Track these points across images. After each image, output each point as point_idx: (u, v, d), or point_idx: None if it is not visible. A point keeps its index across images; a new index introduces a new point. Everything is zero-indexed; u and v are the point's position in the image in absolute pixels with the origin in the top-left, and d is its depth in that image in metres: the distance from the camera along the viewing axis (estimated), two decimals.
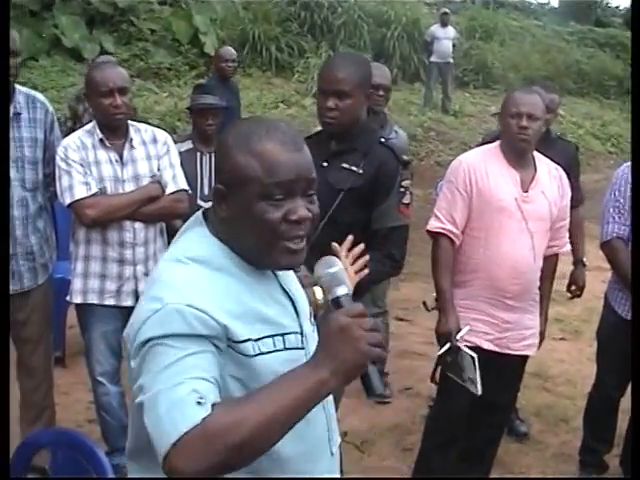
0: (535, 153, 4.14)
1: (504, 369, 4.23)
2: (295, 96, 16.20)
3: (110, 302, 4.16)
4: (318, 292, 2.36)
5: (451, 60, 16.99)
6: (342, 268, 1.96)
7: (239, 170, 1.88)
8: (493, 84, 20.41)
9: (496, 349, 4.13)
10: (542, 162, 4.14)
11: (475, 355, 3.92)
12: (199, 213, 2.05)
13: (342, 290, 1.88)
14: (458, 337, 4.01)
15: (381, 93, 5.31)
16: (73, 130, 4.83)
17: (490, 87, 20.29)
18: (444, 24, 16.87)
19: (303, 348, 2.00)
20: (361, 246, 2.57)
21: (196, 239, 1.97)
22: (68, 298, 4.28)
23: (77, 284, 4.21)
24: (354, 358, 1.74)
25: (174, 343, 1.75)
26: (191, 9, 16.63)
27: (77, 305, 4.31)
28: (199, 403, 1.68)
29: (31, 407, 4.45)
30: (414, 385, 5.95)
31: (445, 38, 16.71)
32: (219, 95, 5.73)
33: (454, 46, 17.04)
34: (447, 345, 4.04)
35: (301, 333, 2.03)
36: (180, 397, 1.69)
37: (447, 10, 17.40)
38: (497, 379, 4.20)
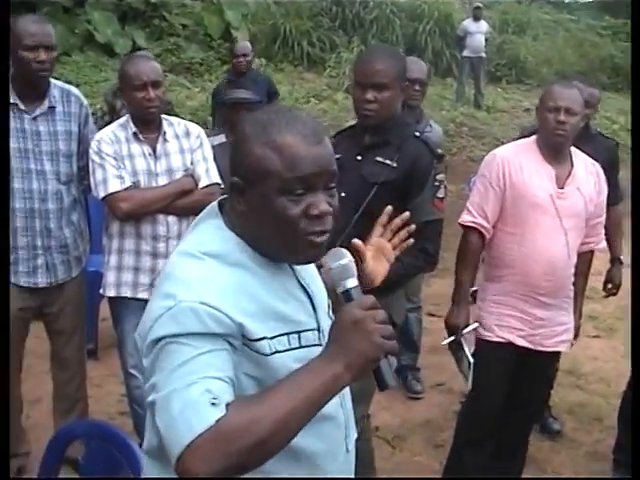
0: (572, 148, 4.08)
1: (537, 366, 4.21)
2: (327, 91, 16.20)
3: (144, 295, 4.16)
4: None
5: (484, 55, 16.88)
6: (351, 260, 1.91)
7: (257, 163, 1.82)
8: (526, 79, 20.28)
9: (529, 346, 4.10)
10: (579, 157, 4.09)
11: (472, 361, 3.99)
12: (214, 204, 2.00)
13: (352, 282, 1.86)
14: (464, 332, 4.05)
15: (417, 88, 5.31)
16: (110, 122, 4.85)
17: (523, 82, 20.17)
18: (477, 18, 16.77)
19: (320, 345, 1.93)
20: (404, 215, 2.46)
21: (211, 232, 1.92)
22: (101, 291, 4.29)
23: (110, 277, 4.22)
24: (368, 351, 1.71)
25: (188, 341, 1.70)
26: (222, 4, 16.67)
27: (110, 298, 4.31)
28: (213, 404, 1.64)
29: (64, 399, 4.48)
30: (446, 381, 5.92)
31: (478, 32, 16.61)
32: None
33: (487, 40, 16.93)
34: (451, 338, 4.10)
35: (318, 329, 1.98)
36: (194, 398, 1.64)
37: (480, 4, 17.26)
38: (530, 375, 4.20)
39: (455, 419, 4.65)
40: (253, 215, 1.85)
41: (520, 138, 4.54)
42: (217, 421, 1.61)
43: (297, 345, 1.89)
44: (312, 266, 2.06)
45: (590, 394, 5.96)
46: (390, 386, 1.79)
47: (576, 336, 4.35)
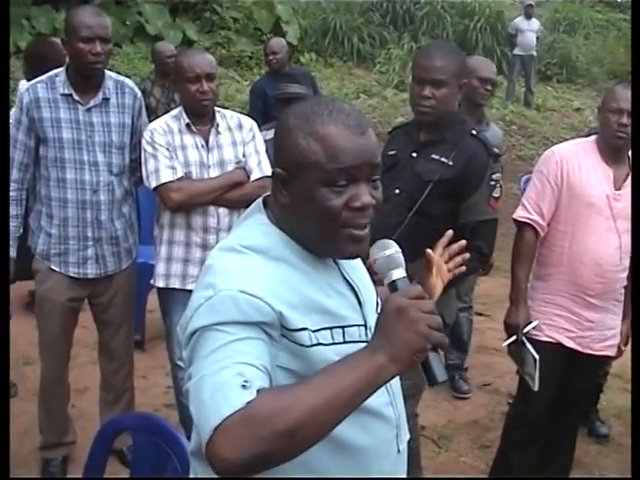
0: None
1: (585, 369, 4.16)
2: (376, 87, 16.15)
3: (192, 287, 4.15)
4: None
5: (534, 53, 16.71)
6: (398, 251, 1.85)
7: (300, 154, 1.80)
8: (576, 78, 20.07)
9: (578, 348, 4.05)
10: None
11: (537, 357, 3.88)
12: (259, 200, 1.98)
13: (399, 273, 1.80)
14: (525, 331, 3.99)
15: (489, 87, 5.28)
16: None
17: (573, 81, 19.96)
18: (528, 16, 16.63)
19: (367, 341, 1.84)
20: (461, 243, 2.42)
21: (254, 227, 1.90)
22: (152, 282, 4.30)
23: (160, 268, 4.23)
24: (413, 341, 1.62)
25: (224, 328, 1.67)
26: None
27: (159, 289, 4.32)
28: (244, 386, 1.58)
29: (111, 390, 4.51)
30: (493, 381, 5.88)
31: (529, 30, 16.47)
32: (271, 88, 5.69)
33: (538, 39, 16.77)
34: (513, 337, 4.03)
35: (365, 325, 1.94)
36: (224, 380, 1.59)
37: (532, 2, 17.10)
38: (578, 378, 4.17)
39: (501, 420, 4.63)
40: (296, 207, 1.84)
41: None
42: (248, 403, 1.55)
43: (341, 340, 1.85)
44: (358, 262, 2.03)
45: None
46: (440, 382, 1.71)
47: (626, 343, 4.26)
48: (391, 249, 1.84)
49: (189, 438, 3.59)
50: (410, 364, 1.65)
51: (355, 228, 1.82)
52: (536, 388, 3.94)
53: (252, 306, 1.70)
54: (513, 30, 16.76)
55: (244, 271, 1.77)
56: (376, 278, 1.99)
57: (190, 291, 4.23)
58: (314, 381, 1.63)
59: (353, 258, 1.94)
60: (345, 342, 1.86)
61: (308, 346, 1.79)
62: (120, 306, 4.36)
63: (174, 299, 4.23)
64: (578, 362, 4.08)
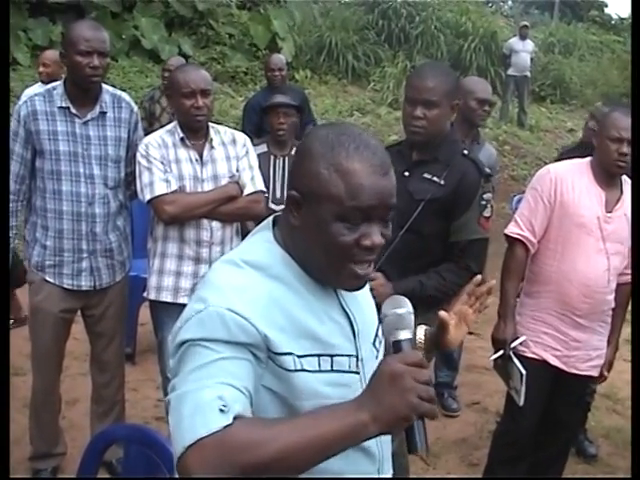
0: (624, 177, 4.06)
1: (571, 388, 4.19)
2: (370, 105, 16.20)
3: (184, 301, 4.17)
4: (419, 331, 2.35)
5: (529, 74, 16.80)
6: (410, 312, 1.84)
7: (319, 183, 1.78)
8: (570, 99, 20.19)
9: (563, 367, 4.08)
10: (628, 185, 4.06)
11: (524, 372, 3.90)
12: (271, 218, 1.98)
13: (405, 334, 1.78)
14: (512, 346, 4.01)
15: (486, 108, 5.34)
16: (147, 132, 4.90)
17: (567, 102, 20.07)
18: (523, 37, 16.70)
19: (357, 372, 1.91)
20: (490, 284, 2.41)
21: (259, 243, 1.90)
22: (145, 294, 4.32)
23: (152, 281, 4.25)
24: (399, 408, 1.60)
25: (210, 345, 1.69)
26: (269, 14, 16.72)
27: (151, 302, 4.34)
28: (222, 410, 1.59)
29: (102, 402, 4.52)
30: (482, 400, 5.90)
31: (523, 51, 16.55)
32: None
33: (532, 60, 16.86)
34: (500, 352, 4.06)
35: (356, 356, 1.92)
36: (204, 401, 1.61)
37: (527, 23, 17.21)
38: (565, 397, 4.19)
39: (490, 438, 4.63)
40: (306, 232, 1.83)
41: (561, 158, 4.52)
42: (224, 428, 1.57)
43: (328, 368, 1.85)
44: (362, 293, 2.02)
45: (627, 419, 5.87)
46: (419, 450, 1.68)
47: (609, 369, 4.28)
48: (404, 308, 1.83)
49: None
50: (393, 428, 1.64)
51: (361, 265, 1.83)
52: (521, 403, 3.96)
53: (238, 326, 1.71)
54: (507, 51, 16.84)
55: (237, 288, 1.77)
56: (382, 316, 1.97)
57: (182, 305, 4.27)
58: (295, 421, 1.65)
59: (350, 291, 1.92)
60: (332, 371, 1.85)
61: (291, 370, 1.78)
62: (113, 318, 4.38)
63: (166, 312, 4.25)
64: (563, 381, 4.11)
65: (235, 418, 1.60)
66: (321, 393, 1.79)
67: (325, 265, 1.83)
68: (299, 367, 1.79)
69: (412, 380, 1.61)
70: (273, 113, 5.33)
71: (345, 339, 1.91)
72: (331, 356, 1.86)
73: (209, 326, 1.71)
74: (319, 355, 1.84)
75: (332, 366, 1.86)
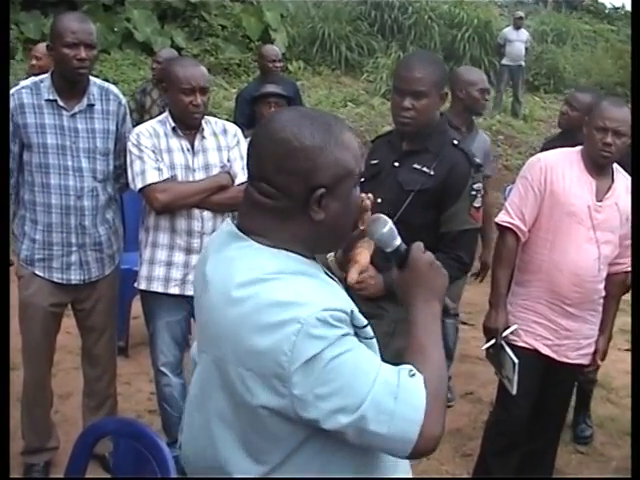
0: (614, 165, 4.05)
1: (562, 377, 4.21)
2: (364, 95, 16.17)
3: (175, 291, 4.18)
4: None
5: (523, 63, 16.79)
6: (392, 225, 2.10)
7: (341, 166, 1.88)
8: (564, 89, 20.13)
9: (554, 356, 4.09)
10: (620, 174, 4.06)
11: (517, 361, 3.92)
12: (232, 229, 1.95)
13: (398, 241, 2.09)
14: (504, 335, 4.03)
15: (487, 97, 5.44)
16: (139, 122, 4.87)
17: (561, 92, 20.02)
18: (517, 27, 16.70)
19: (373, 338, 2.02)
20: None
21: (256, 256, 1.87)
22: (136, 284, 4.31)
23: (143, 271, 4.25)
24: (444, 282, 2.05)
25: (338, 351, 1.75)
26: (262, 5, 16.69)
27: (142, 294, 4.34)
28: (412, 375, 1.81)
29: (94, 395, 4.52)
30: (476, 390, 5.90)
31: (518, 41, 16.54)
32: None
33: (526, 49, 16.84)
34: (492, 341, 4.08)
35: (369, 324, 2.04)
36: (394, 384, 1.78)
37: (521, 14, 17.22)
38: (555, 386, 4.22)
39: (483, 428, 4.63)
40: (332, 217, 1.90)
41: (544, 148, 4.52)
42: (425, 386, 1.80)
43: (371, 335, 1.94)
44: None
45: (621, 408, 5.90)
46: (451, 308, 2.15)
47: (603, 358, 4.26)
48: (389, 223, 2.10)
49: (170, 444, 3.62)
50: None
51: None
52: (514, 392, 3.97)
53: (337, 319, 1.78)
54: (502, 40, 16.83)
55: (301, 292, 1.79)
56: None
57: (173, 295, 4.28)
58: (424, 342, 1.94)
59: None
60: (372, 337, 1.95)
61: (369, 339, 1.91)
62: (103, 312, 4.37)
63: (157, 304, 4.26)
64: (554, 370, 4.11)
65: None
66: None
67: (349, 230, 2.06)
68: (373, 335, 1.95)
69: (436, 259, 2.05)
70: (263, 102, 5.31)
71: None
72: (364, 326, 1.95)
73: (321, 334, 1.74)
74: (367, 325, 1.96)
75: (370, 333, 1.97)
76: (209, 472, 1.98)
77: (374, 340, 1.93)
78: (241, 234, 1.91)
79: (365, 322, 1.88)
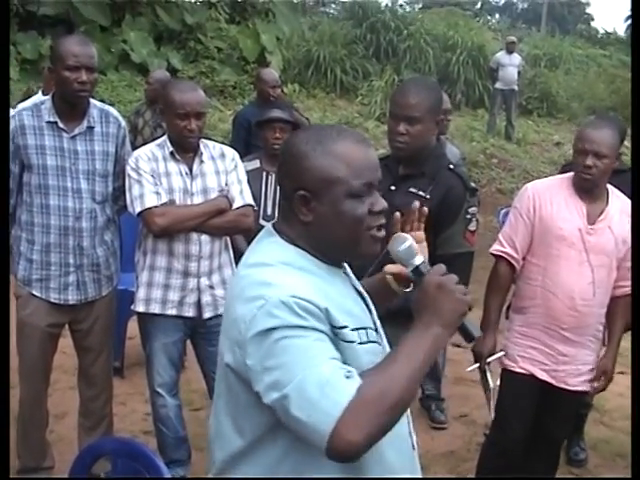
0: (610, 187, 4.06)
1: (561, 403, 4.19)
2: (358, 118, 16.25)
3: (172, 312, 4.20)
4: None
5: (516, 87, 16.86)
6: (413, 241, 2.13)
7: (324, 172, 1.96)
8: (557, 113, 20.30)
9: (552, 381, 4.09)
10: (615, 196, 4.06)
11: (492, 386, 4.06)
12: (269, 226, 2.12)
13: (420, 259, 2.08)
14: (488, 361, 4.11)
15: (449, 118, 5.45)
16: (132, 143, 4.88)
17: (554, 116, 20.18)
18: (510, 51, 16.78)
19: (379, 343, 2.10)
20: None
21: (272, 247, 2.04)
22: (133, 307, 4.33)
23: (141, 293, 4.27)
24: (457, 307, 1.94)
25: (298, 332, 1.83)
26: (258, 28, 16.77)
27: (139, 315, 4.36)
28: (348, 377, 1.79)
29: (90, 415, 4.51)
30: (470, 412, 5.90)
31: (510, 65, 16.62)
32: (256, 118, 5.74)
33: (519, 73, 16.92)
34: (476, 365, 4.17)
35: (375, 329, 2.11)
36: (327, 377, 1.78)
37: (514, 39, 17.31)
38: (554, 413, 4.19)
39: (478, 450, 4.65)
40: (321, 221, 2.00)
41: (564, 170, 4.56)
42: (358, 390, 1.77)
43: (366, 340, 2.01)
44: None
45: (614, 431, 5.92)
46: (477, 336, 2.04)
47: (609, 380, 4.24)
48: (409, 240, 2.13)
49: (167, 464, 3.63)
50: (456, 326, 1.97)
51: (376, 230, 2.04)
52: (492, 415, 4.12)
53: (304, 309, 1.86)
54: (495, 64, 16.90)
55: (284, 280, 1.92)
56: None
57: (170, 316, 4.30)
58: (396, 358, 1.87)
59: (374, 257, 2.12)
60: (369, 342, 2.02)
61: (350, 342, 1.95)
62: (100, 332, 4.38)
63: (154, 325, 4.27)
64: (553, 396, 4.12)
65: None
66: (364, 365, 1.92)
67: (347, 241, 2.03)
68: (355, 339, 1.97)
69: (452, 283, 1.96)
70: (269, 127, 5.30)
71: (364, 314, 2.11)
72: (365, 329, 2.03)
73: (279, 315, 1.84)
74: (358, 329, 2.00)
75: (368, 337, 2.03)
76: (213, 442, 2.13)
77: (354, 344, 1.95)
78: (273, 231, 2.09)
79: (342, 324, 1.92)
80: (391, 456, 2.03)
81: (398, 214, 2.35)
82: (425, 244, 2.42)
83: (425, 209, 2.46)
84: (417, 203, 2.46)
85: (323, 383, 1.77)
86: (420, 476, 2.24)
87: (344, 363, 1.88)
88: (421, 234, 2.41)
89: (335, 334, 1.91)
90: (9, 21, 3.84)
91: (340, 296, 2.00)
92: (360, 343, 1.97)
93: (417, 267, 2.08)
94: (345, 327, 1.93)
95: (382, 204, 2.04)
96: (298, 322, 1.84)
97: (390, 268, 2.33)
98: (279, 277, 1.92)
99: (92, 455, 3.00)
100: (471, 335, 2.03)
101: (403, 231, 2.31)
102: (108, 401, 4.57)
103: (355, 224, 1.99)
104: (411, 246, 2.11)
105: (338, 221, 1.99)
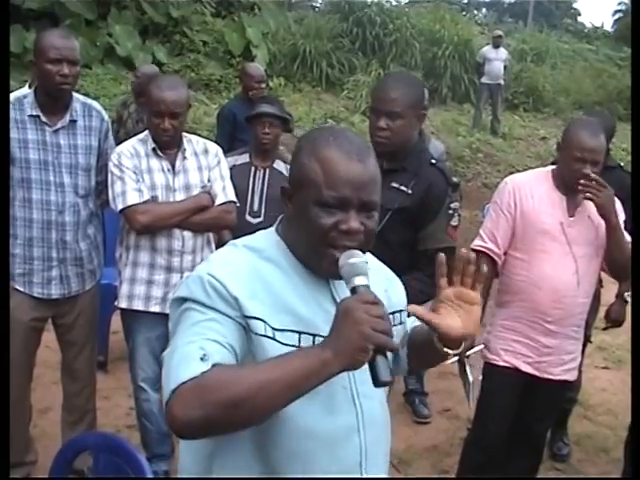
0: None
1: (545, 394, 4.20)
2: (344, 112, 16.24)
3: (155, 309, 4.20)
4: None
5: (502, 82, 16.86)
6: (364, 261, 1.89)
7: (302, 171, 1.96)
8: (543, 107, 20.33)
9: (535, 373, 4.11)
10: None
11: (471, 380, 4.06)
12: (282, 216, 2.12)
13: (360, 280, 1.85)
14: (467, 354, 4.05)
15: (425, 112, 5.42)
16: (117, 133, 4.86)
17: (540, 110, 20.21)
18: (496, 46, 16.78)
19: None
20: (462, 257, 2.04)
21: (262, 234, 2.09)
22: (116, 303, 4.33)
23: (124, 289, 4.27)
24: (355, 339, 1.72)
25: (199, 307, 1.88)
26: (244, 22, 16.74)
27: (122, 311, 4.36)
28: (202, 359, 1.76)
29: (73, 410, 4.52)
30: (453, 407, 5.92)
31: (497, 59, 16.62)
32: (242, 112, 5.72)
33: (505, 68, 16.94)
34: (455, 358, 4.10)
35: None
36: (188, 352, 1.79)
37: (501, 33, 17.31)
38: (538, 404, 4.20)
39: (461, 445, 4.64)
40: (295, 218, 1.99)
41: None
42: (202, 373, 1.74)
43: (294, 343, 1.93)
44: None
45: (597, 425, 5.95)
46: (383, 382, 1.77)
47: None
48: (356, 258, 1.89)
49: (150, 459, 3.62)
50: (353, 362, 1.75)
51: (338, 249, 1.91)
52: (471, 408, 4.19)
53: (213, 288, 1.89)
54: (481, 59, 16.90)
55: (223, 261, 1.98)
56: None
57: (153, 313, 4.29)
58: (265, 362, 1.82)
59: (332, 277, 1.99)
60: (298, 346, 1.94)
61: (260, 335, 1.90)
62: (84, 327, 4.38)
63: (137, 321, 4.27)
64: (537, 388, 4.13)
65: (214, 366, 1.76)
66: None
67: (309, 249, 1.96)
68: (269, 334, 1.91)
69: (364, 313, 1.75)
70: (258, 122, 5.28)
71: (321, 323, 1.95)
72: (313, 335, 1.95)
73: (191, 287, 1.92)
74: (300, 332, 1.95)
75: (300, 342, 1.95)
76: None
77: (266, 339, 1.88)
78: (277, 221, 2.12)
79: (252, 315, 1.88)
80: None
81: (443, 256, 2.01)
82: (477, 308, 2.02)
83: (485, 268, 2.07)
84: (465, 252, 2.03)
85: (181, 358, 1.79)
86: None
87: (252, 353, 1.88)
88: (471, 294, 2.01)
89: (247, 324, 1.89)
90: (9, 21, 3.80)
91: (293, 296, 1.96)
92: (294, 346, 1.90)
93: (354, 287, 1.84)
94: (260, 320, 1.88)
95: (351, 225, 1.89)
96: (202, 299, 1.88)
97: (415, 309, 1.98)
98: (223, 257, 2.01)
99: (73, 450, 3.00)
100: (377, 378, 1.76)
101: (450, 281, 2.00)
102: (92, 396, 4.57)
103: (315, 233, 1.91)
104: (356, 264, 1.87)
105: (301, 224, 1.96)
